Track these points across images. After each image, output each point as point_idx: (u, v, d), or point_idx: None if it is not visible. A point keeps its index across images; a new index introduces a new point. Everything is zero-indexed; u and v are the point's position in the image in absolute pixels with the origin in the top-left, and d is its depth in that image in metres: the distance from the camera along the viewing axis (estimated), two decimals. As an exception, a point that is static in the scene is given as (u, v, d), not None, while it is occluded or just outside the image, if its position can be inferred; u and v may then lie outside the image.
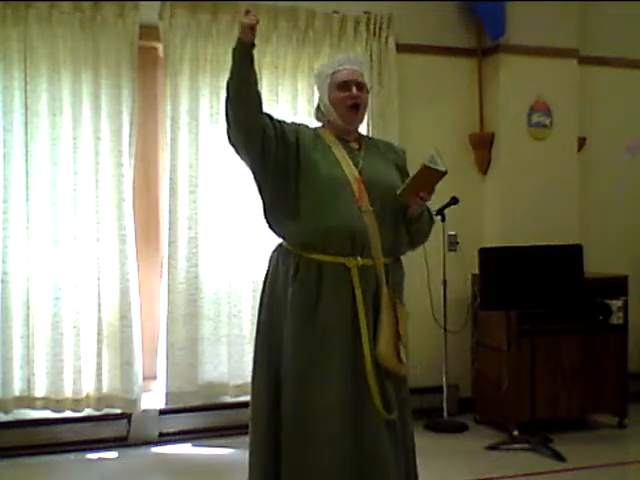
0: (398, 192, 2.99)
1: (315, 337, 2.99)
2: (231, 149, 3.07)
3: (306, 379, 2.99)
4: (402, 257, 3.23)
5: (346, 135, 3.15)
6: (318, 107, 3.22)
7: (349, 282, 2.99)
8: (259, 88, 3.04)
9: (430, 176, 2.97)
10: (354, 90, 3.08)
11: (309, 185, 3.03)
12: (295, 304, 3.02)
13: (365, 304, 2.99)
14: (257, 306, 3.21)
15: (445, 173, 2.98)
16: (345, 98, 3.08)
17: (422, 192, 2.98)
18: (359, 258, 3.00)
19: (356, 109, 3.10)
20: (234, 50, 2.95)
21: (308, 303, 3.00)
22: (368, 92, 3.17)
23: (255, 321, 3.21)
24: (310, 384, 2.99)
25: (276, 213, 3.09)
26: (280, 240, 3.16)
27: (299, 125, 3.21)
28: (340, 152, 3.09)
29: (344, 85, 3.09)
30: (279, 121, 3.09)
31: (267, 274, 3.17)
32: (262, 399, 3.11)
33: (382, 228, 3.03)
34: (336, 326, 2.99)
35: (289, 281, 3.04)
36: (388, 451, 2.97)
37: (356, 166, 3.07)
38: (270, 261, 3.17)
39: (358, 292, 2.99)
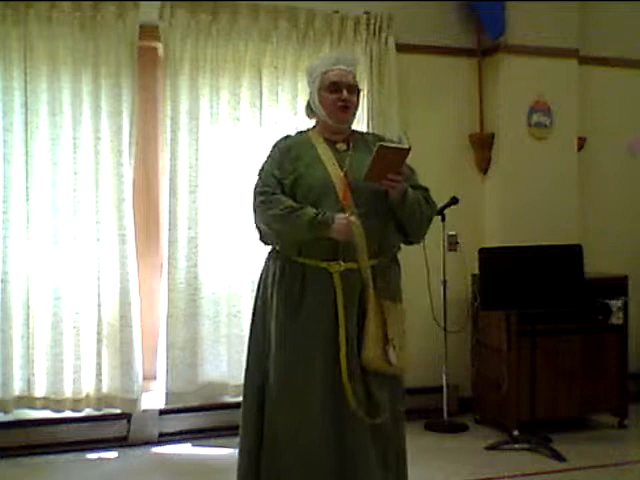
0: (363, 177, 2.97)
1: (297, 342, 3.03)
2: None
3: (287, 384, 3.03)
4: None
5: (335, 134, 3.14)
6: (308, 104, 3.23)
7: (332, 286, 3.01)
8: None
9: (393, 156, 2.93)
10: (344, 93, 3.08)
11: (298, 197, 3.05)
12: (278, 307, 3.06)
13: (347, 308, 3.00)
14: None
15: (407, 150, 2.94)
16: (335, 100, 3.09)
17: (389, 174, 2.95)
18: (342, 262, 3.01)
19: (347, 110, 3.10)
20: (317, 225, 2.94)
21: (291, 306, 3.04)
22: (359, 93, 3.16)
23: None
24: (291, 389, 3.03)
25: None
26: None
27: (286, 140, 3.20)
28: (327, 155, 3.09)
29: (334, 86, 3.09)
30: (279, 180, 3.09)
31: (260, 277, 3.21)
32: (250, 400, 3.14)
33: (368, 230, 3.02)
34: (318, 330, 3.01)
35: (275, 283, 3.08)
36: (370, 452, 2.98)
37: (342, 168, 3.06)
38: (264, 264, 3.22)
39: (339, 297, 2.99)
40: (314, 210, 2.97)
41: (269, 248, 3.24)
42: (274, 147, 3.21)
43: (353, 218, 2.93)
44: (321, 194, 3.02)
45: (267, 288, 3.14)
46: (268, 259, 3.20)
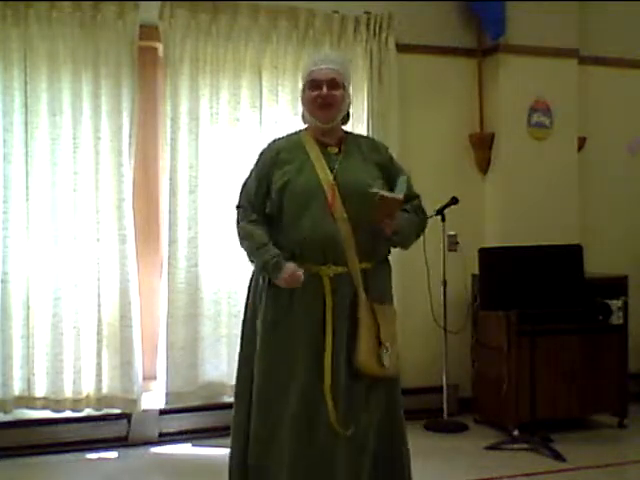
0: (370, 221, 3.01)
1: (282, 345, 3.02)
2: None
3: (266, 386, 3.03)
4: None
5: (326, 137, 3.12)
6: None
7: (321, 290, 3.00)
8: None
9: (389, 203, 2.97)
10: (324, 89, 3.05)
11: (286, 201, 3.05)
12: (267, 309, 3.07)
13: (337, 313, 2.99)
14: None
15: (401, 200, 2.98)
16: (314, 98, 3.07)
17: (384, 216, 2.98)
18: (332, 266, 3.00)
19: (327, 107, 3.06)
20: (271, 268, 3.01)
21: (279, 309, 3.04)
22: (345, 89, 3.12)
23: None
24: (270, 391, 3.03)
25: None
26: None
27: (274, 144, 3.19)
28: (317, 158, 3.07)
29: (313, 84, 3.08)
30: (264, 191, 3.12)
31: (251, 278, 3.24)
32: (239, 400, 3.15)
33: (358, 233, 3.01)
34: (304, 334, 3.00)
35: (265, 285, 3.10)
36: (340, 463, 2.97)
37: (332, 171, 3.05)
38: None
39: (329, 301, 2.99)
40: (271, 253, 3.02)
41: None
42: (259, 156, 3.19)
43: (300, 272, 2.95)
44: (309, 199, 3.01)
45: (258, 289, 3.14)
46: None
